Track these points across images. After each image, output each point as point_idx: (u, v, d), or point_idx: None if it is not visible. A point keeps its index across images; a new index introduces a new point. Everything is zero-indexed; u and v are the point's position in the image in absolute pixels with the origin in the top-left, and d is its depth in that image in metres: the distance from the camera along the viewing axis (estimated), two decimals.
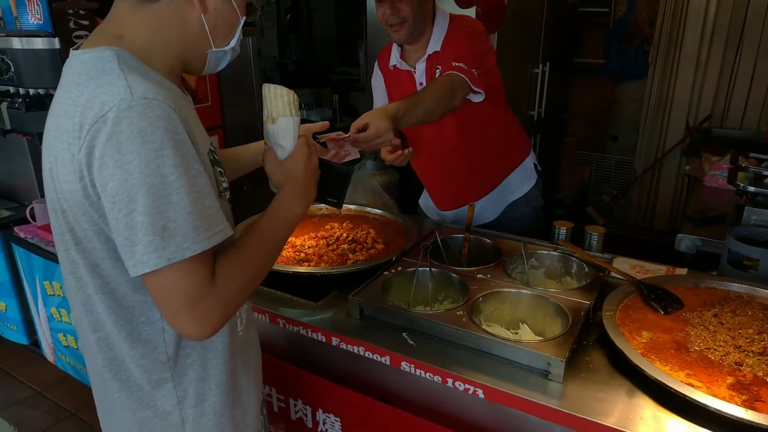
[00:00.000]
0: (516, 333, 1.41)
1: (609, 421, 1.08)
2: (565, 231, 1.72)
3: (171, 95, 0.88)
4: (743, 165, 2.16)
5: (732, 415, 1.01)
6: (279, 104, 1.07)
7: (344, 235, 1.84)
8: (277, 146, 1.10)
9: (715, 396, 1.05)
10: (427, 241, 1.73)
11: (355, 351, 1.38)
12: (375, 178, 2.67)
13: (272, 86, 1.08)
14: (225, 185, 1.04)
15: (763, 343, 1.20)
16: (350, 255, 1.71)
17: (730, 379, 1.11)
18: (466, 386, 1.22)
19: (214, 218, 0.88)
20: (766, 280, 1.52)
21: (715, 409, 1.02)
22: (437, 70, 1.84)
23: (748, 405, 1.04)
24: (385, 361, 1.33)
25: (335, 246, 1.77)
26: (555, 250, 1.70)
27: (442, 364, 1.26)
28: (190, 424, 1.02)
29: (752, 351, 1.18)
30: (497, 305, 1.48)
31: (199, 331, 0.88)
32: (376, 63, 2.13)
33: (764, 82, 3.74)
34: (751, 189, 1.91)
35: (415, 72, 1.94)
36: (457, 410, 1.31)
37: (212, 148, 1.01)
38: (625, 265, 1.62)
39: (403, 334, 1.38)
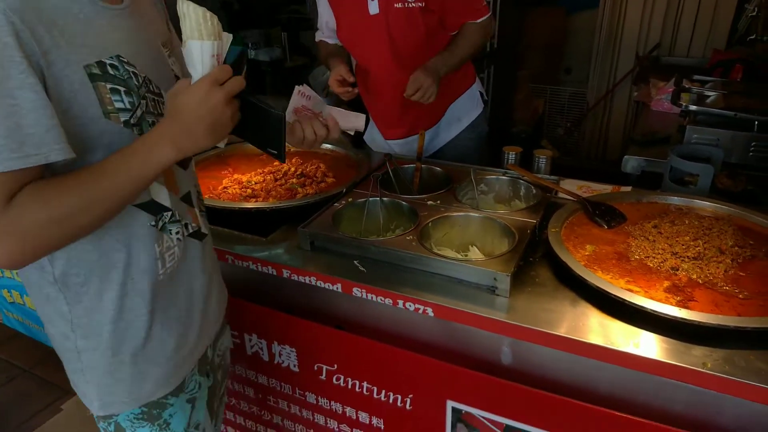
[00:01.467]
0: (466, 255, 1.43)
1: (559, 330, 1.11)
2: (514, 155, 1.73)
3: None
4: (687, 87, 2.20)
5: (667, 315, 1.05)
6: (186, 25, 0.87)
7: (293, 169, 1.79)
8: (189, 74, 0.92)
9: (652, 299, 1.10)
10: (379, 173, 1.71)
11: (307, 281, 1.37)
12: None
13: (184, 3, 0.88)
14: (120, 105, 0.87)
15: (697, 248, 1.25)
16: (299, 189, 1.67)
17: (666, 283, 1.16)
18: (416, 306, 1.24)
19: (35, 138, 0.76)
20: (705, 194, 1.58)
21: (651, 310, 1.07)
22: None
23: (682, 305, 1.09)
24: (337, 288, 1.33)
25: (283, 181, 1.73)
26: (504, 175, 1.71)
27: (392, 287, 1.27)
28: (85, 355, 0.98)
29: (687, 256, 1.23)
30: (447, 230, 1.48)
31: None
32: None
33: (710, 9, 3.78)
34: (693, 108, 1.95)
35: None
36: (410, 331, 1.34)
37: (111, 62, 0.86)
38: (572, 186, 1.64)
39: (354, 261, 1.37)
